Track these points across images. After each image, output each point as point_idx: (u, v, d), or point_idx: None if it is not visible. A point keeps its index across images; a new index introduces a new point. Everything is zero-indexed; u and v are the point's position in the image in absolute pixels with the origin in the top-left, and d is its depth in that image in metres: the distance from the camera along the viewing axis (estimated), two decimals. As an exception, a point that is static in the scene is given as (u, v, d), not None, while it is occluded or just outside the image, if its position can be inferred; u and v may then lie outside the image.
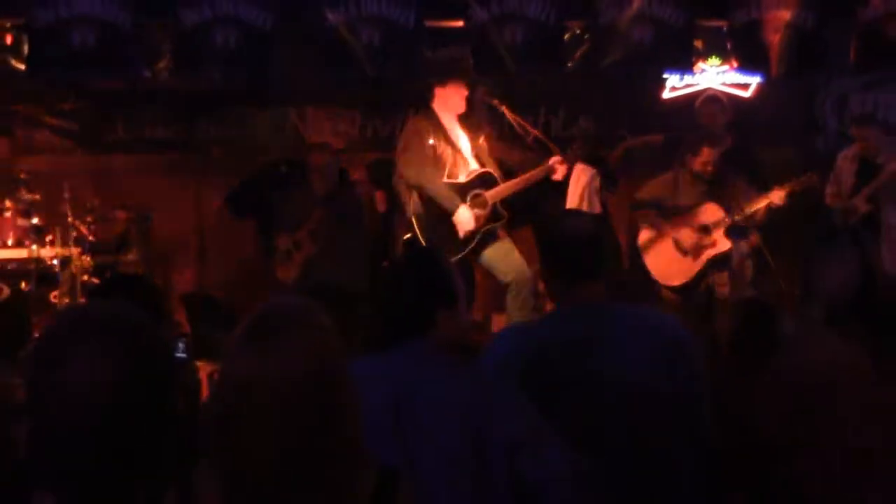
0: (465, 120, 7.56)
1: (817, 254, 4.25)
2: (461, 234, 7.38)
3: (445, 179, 7.44)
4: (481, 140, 7.60)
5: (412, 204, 7.36)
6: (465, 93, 7.42)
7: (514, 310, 7.55)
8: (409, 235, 7.37)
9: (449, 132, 7.44)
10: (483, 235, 7.52)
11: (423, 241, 7.26)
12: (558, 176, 7.56)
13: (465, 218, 7.39)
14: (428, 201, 7.36)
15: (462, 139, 7.51)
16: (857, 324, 3.48)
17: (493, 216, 7.53)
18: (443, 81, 7.42)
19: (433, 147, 7.34)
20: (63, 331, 1.83)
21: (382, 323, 3.40)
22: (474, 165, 7.53)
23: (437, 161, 7.37)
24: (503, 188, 7.53)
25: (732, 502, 3.77)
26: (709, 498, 3.68)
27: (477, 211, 7.48)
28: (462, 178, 7.50)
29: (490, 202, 7.51)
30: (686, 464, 3.62)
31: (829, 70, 9.19)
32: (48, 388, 1.76)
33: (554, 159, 7.54)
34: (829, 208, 8.48)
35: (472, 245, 7.50)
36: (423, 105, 7.59)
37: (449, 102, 7.45)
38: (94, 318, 1.85)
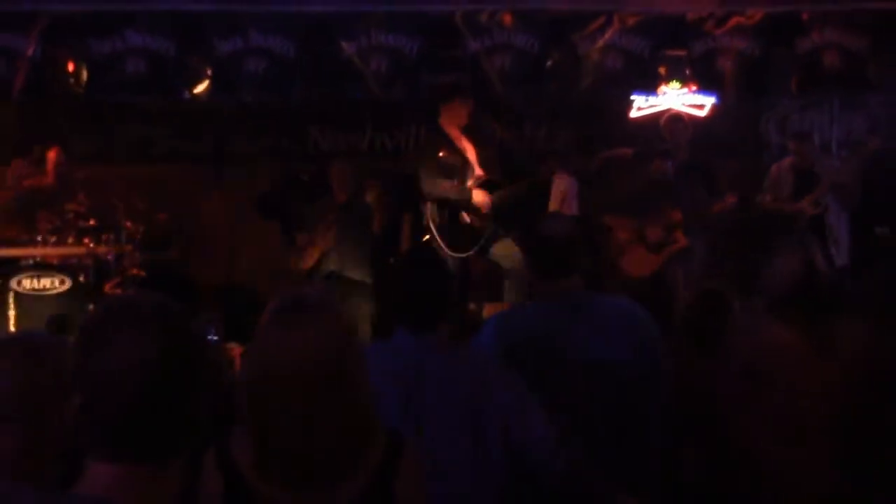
0: (469, 132, 7.61)
1: (765, 250, 4.28)
2: (483, 209, 7.40)
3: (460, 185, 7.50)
4: (486, 149, 7.66)
5: (429, 213, 7.39)
6: (469, 108, 7.49)
7: (512, 294, 7.60)
8: (427, 237, 7.40)
9: (456, 143, 7.48)
10: (488, 236, 7.57)
11: (441, 244, 7.29)
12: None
13: (480, 198, 7.41)
14: (442, 209, 7.41)
15: (468, 149, 7.55)
16: (798, 312, 3.51)
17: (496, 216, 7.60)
18: (449, 99, 7.47)
19: (443, 158, 7.37)
20: (105, 317, 1.83)
21: (392, 312, 3.42)
22: (478, 172, 7.57)
23: (448, 169, 7.40)
24: (505, 193, 7.59)
25: (687, 462, 3.82)
26: (667, 456, 3.73)
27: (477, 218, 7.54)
28: (469, 184, 7.55)
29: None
30: (648, 428, 3.67)
31: (773, 94, 9.23)
32: (93, 366, 1.76)
33: (545, 167, 7.62)
34: (772, 211, 8.53)
35: (481, 243, 7.56)
36: (423, 122, 7.65)
37: (454, 117, 7.50)
38: (132, 306, 1.84)
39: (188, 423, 1.83)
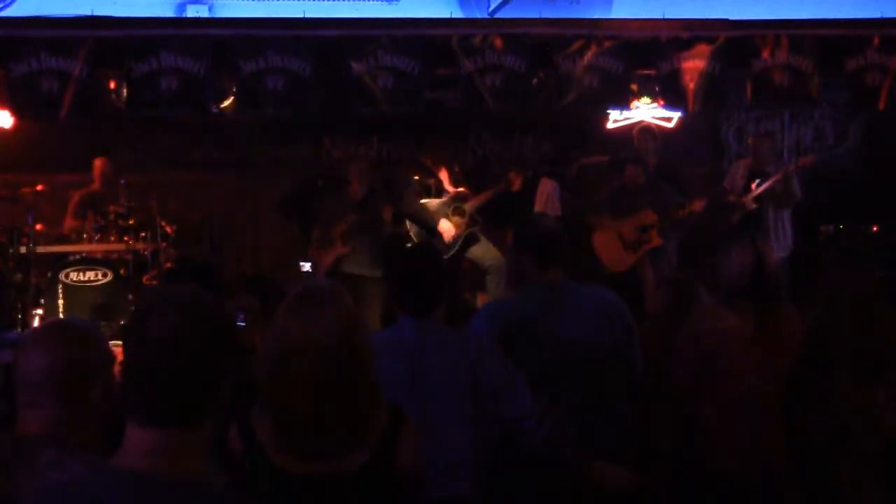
0: (440, 160, 7.99)
1: (721, 246, 4.26)
2: (446, 238, 7.54)
3: (433, 200, 7.62)
4: (455, 169, 7.81)
5: (408, 226, 7.59)
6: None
7: (492, 289, 7.66)
8: (412, 244, 7.50)
9: (431, 169, 7.72)
10: (465, 238, 7.67)
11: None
12: (515, 186, 7.71)
13: (446, 227, 7.58)
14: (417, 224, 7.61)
15: (440, 172, 7.73)
16: (746, 301, 3.53)
17: (472, 222, 7.68)
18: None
19: (418, 182, 7.56)
20: (146, 304, 1.88)
21: (395, 300, 3.44)
22: (451, 188, 7.71)
23: (423, 189, 7.61)
24: (475, 201, 7.70)
25: (654, 432, 3.83)
26: (636, 428, 3.74)
27: (457, 219, 7.63)
28: (445, 198, 7.68)
29: (468, 211, 7.66)
30: (621, 401, 3.68)
31: (730, 107, 9.24)
32: (134, 345, 1.82)
33: (510, 175, 7.71)
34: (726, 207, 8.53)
35: (459, 245, 7.65)
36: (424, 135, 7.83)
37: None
38: (168, 296, 1.88)
39: (214, 394, 1.85)
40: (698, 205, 8.08)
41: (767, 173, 8.44)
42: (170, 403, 1.80)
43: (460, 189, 7.78)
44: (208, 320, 1.84)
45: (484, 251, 7.78)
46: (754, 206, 8.40)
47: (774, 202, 8.43)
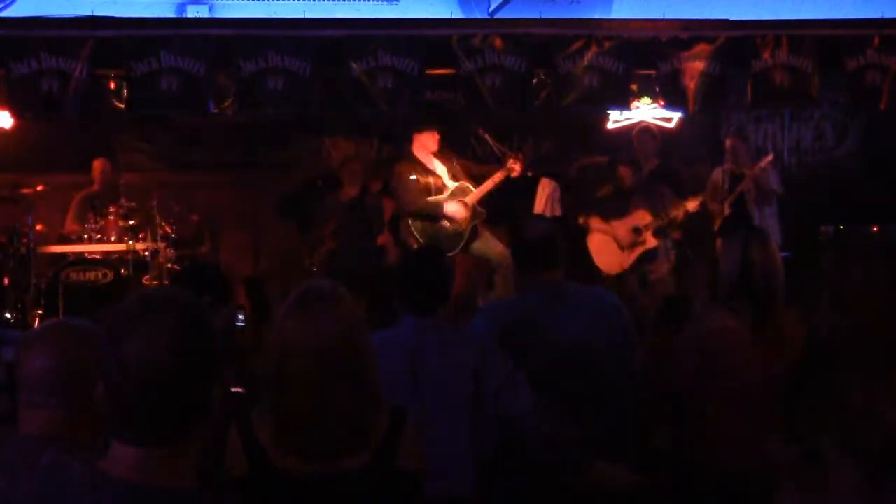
0: (438, 153, 7.82)
1: (718, 246, 4.26)
2: (458, 219, 7.50)
3: (434, 197, 7.59)
4: (454, 164, 7.80)
5: (412, 225, 7.53)
6: (437, 136, 7.74)
7: (500, 286, 7.65)
8: (416, 246, 7.48)
9: (427, 165, 7.67)
10: (469, 233, 7.64)
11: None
12: (515, 173, 7.71)
13: (453, 209, 7.54)
14: (421, 222, 7.57)
15: (439, 168, 7.73)
16: (743, 301, 3.54)
17: (474, 215, 7.65)
18: (420, 129, 7.62)
19: (416, 180, 7.54)
20: (127, 310, 1.80)
21: (396, 302, 3.44)
22: (451, 183, 7.68)
23: (423, 188, 7.54)
24: (477, 192, 7.69)
25: (654, 432, 3.84)
26: (636, 428, 3.74)
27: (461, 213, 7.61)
28: (446, 194, 7.65)
29: (470, 204, 7.64)
30: (621, 401, 3.68)
31: (731, 108, 9.24)
32: (115, 354, 1.75)
33: (509, 162, 7.71)
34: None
35: (464, 242, 7.63)
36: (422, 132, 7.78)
37: (425, 144, 7.72)
38: (150, 301, 1.81)
39: (202, 409, 1.81)
40: (693, 205, 8.09)
41: (744, 174, 8.46)
42: (153, 427, 1.76)
43: (461, 183, 7.76)
44: (193, 331, 1.78)
45: (487, 246, 7.75)
46: (728, 210, 8.41)
47: (756, 202, 8.46)
